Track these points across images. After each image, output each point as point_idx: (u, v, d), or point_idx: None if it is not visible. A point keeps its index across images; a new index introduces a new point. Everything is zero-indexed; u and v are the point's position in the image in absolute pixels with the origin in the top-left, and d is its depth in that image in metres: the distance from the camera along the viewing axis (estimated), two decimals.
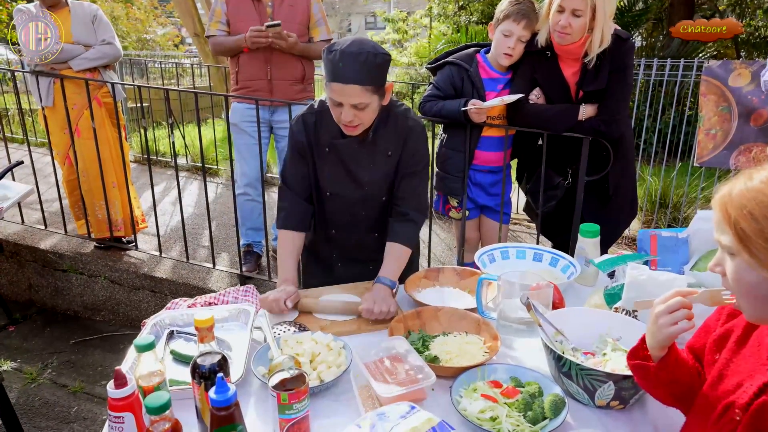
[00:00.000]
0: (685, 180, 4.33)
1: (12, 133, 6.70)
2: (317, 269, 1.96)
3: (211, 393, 0.91)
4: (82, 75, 3.18)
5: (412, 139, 1.72)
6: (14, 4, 9.60)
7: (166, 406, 0.92)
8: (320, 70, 1.85)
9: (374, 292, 1.58)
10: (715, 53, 7.95)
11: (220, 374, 0.93)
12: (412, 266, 1.92)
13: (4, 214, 3.02)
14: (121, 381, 0.96)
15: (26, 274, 3.77)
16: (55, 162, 3.62)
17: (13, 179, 3.30)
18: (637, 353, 1.02)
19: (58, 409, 2.70)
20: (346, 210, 1.80)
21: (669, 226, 4.17)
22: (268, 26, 2.81)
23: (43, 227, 3.81)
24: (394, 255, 1.69)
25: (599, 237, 1.77)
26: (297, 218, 1.77)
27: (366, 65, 1.47)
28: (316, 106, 1.72)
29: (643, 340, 1.02)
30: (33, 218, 3.95)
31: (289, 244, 1.75)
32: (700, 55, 7.33)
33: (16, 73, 4.12)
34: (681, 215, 4.26)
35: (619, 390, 1.12)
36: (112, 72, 3.42)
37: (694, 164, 3.82)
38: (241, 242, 3.34)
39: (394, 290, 1.63)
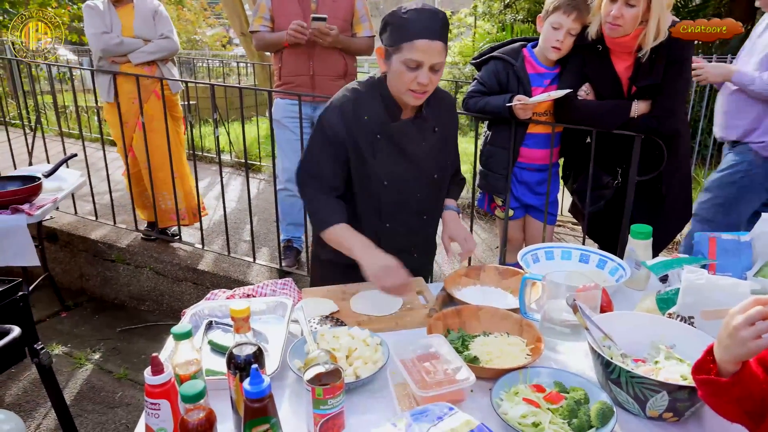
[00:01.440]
0: None
1: (69, 129, 7.01)
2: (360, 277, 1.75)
3: (246, 384, 0.90)
4: (138, 70, 3.28)
5: (454, 114, 1.78)
6: (75, 7, 10.07)
7: (200, 395, 0.91)
8: (362, 70, 1.83)
9: (452, 223, 1.76)
10: None
11: (254, 366, 0.92)
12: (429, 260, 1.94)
13: (59, 204, 3.16)
14: (157, 368, 0.96)
15: (78, 263, 3.92)
16: (107, 156, 3.75)
17: None
18: (703, 367, 0.93)
19: (104, 394, 2.79)
20: (401, 195, 1.71)
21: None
22: (313, 18, 2.81)
23: (94, 218, 3.97)
24: (452, 200, 1.86)
25: (651, 239, 1.68)
26: (339, 213, 1.61)
27: (445, 24, 1.48)
28: (349, 94, 1.60)
29: (708, 352, 0.93)
30: (85, 209, 4.11)
31: (348, 228, 1.58)
32: None
33: (73, 72, 4.29)
34: None
35: (673, 401, 1.04)
36: (171, 65, 3.51)
37: None
38: (282, 237, 3.37)
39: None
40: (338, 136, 1.58)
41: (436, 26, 1.44)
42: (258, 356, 1.05)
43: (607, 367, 1.11)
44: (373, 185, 1.65)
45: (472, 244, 1.73)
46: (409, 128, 1.63)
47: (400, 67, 1.47)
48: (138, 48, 3.26)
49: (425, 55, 1.44)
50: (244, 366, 1.03)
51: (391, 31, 1.47)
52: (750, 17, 6.20)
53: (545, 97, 2.19)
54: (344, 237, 1.57)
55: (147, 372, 0.96)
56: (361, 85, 1.63)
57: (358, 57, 3.25)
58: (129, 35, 3.26)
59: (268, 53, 4.85)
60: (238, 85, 3.51)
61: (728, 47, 6.52)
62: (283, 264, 3.31)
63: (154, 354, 0.99)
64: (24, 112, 5.26)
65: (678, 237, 3.77)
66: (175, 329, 1.05)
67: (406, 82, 1.49)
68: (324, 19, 2.82)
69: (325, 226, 1.59)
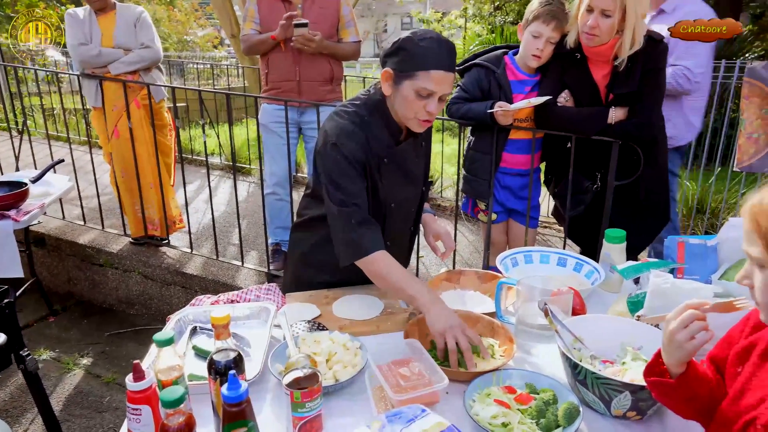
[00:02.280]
0: (724, 185, 4.17)
1: (57, 132, 6.98)
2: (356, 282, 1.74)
3: (223, 389, 0.94)
4: (122, 76, 3.27)
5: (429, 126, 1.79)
6: (63, 8, 10.02)
7: (180, 400, 0.94)
8: (353, 71, 1.82)
9: (433, 223, 1.85)
10: (762, 53, 7.63)
11: (232, 371, 0.95)
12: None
13: (46, 209, 3.16)
14: (139, 375, 0.99)
15: (66, 267, 3.93)
16: (95, 160, 3.76)
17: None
18: (654, 369, 0.99)
19: (92, 398, 2.80)
20: (404, 215, 1.76)
21: (706, 233, 4.02)
22: (296, 25, 2.84)
23: (82, 223, 3.97)
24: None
25: (625, 243, 1.73)
26: (381, 237, 1.55)
27: (455, 56, 1.50)
28: (356, 119, 1.56)
29: (657, 355, 0.99)
30: (73, 214, 4.12)
31: (396, 263, 1.51)
32: (747, 54, 7.04)
33: (60, 74, 4.29)
34: (719, 222, 4.11)
35: (636, 400, 1.09)
36: (158, 72, 3.48)
37: (734, 169, 3.68)
38: (270, 241, 3.40)
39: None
40: (360, 160, 1.54)
41: (451, 58, 1.47)
42: (238, 362, 1.09)
43: (574, 368, 1.15)
44: (381, 208, 1.65)
45: (453, 241, 1.80)
46: (410, 149, 1.66)
47: (410, 94, 1.47)
48: (117, 58, 3.23)
49: (439, 85, 1.45)
50: (224, 371, 1.06)
51: (406, 58, 1.46)
52: (735, 19, 6.30)
53: (526, 103, 2.24)
54: (401, 277, 1.47)
55: (128, 378, 1.00)
56: (361, 108, 1.59)
57: (345, 61, 3.29)
58: (109, 44, 3.23)
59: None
60: (225, 91, 3.53)
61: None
62: (271, 267, 3.34)
63: (135, 361, 1.02)
64: (11, 115, 5.25)
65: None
66: (157, 336, 1.08)
67: (414, 110, 1.50)
68: (305, 25, 2.85)
69: (368, 252, 1.49)
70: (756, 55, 7.34)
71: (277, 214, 3.31)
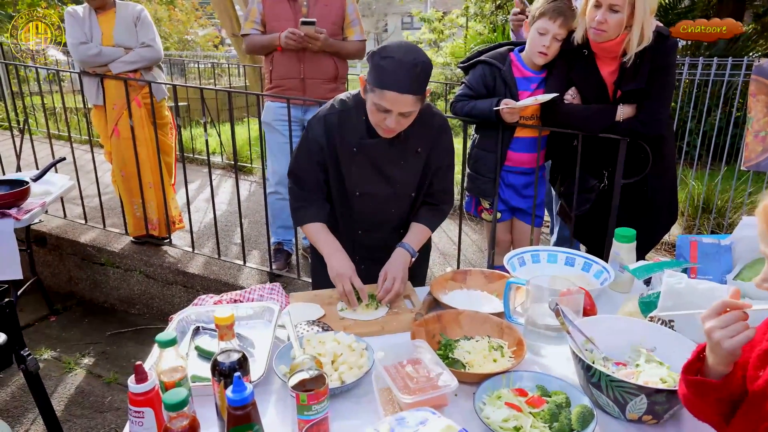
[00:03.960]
0: (730, 184, 4.14)
1: (59, 131, 6.96)
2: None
3: (228, 392, 0.91)
4: (123, 74, 3.24)
5: (443, 137, 1.77)
6: (63, 8, 9.99)
7: (183, 403, 0.91)
8: (354, 70, 1.84)
9: (393, 259, 1.70)
10: (767, 51, 7.59)
11: (237, 373, 0.92)
12: (424, 258, 1.98)
13: (47, 208, 3.14)
14: (141, 376, 0.96)
15: (67, 267, 3.90)
16: (96, 159, 3.74)
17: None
18: (693, 368, 0.95)
19: (93, 398, 2.78)
20: (375, 209, 1.78)
21: (712, 233, 3.99)
22: (302, 23, 2.82)
23: (83, 222, 3.95)
24: (418, 231, 1.80)
25: (635, 242, 1.70)
26: (321, 213, 1.76)
27: (421, 75, 1.48)
28: (337, 106, 1.69)
29: (698, 352, 0.95)
30: (74, 213, 4.09)
31: (323, 229, 1.74)
32: (751, 53, 7.00)
33: (62, 73, 4.26)
34: (726, 221, 4.08)
35: (652, 404, 1.06)
36: (159, 70, 3.45)
37: (741, 168, 3.65)
38: (272, 240, 3.37)
39: (413, 259, 1.75)
40: (319, 144, 1.69)
41: (409, 80, 1.46)
42: (242, 363, 1.06)
43: (587, 370, 1.12)
44: (348, 195, 1.76)
45: (392, 294, 1.62)
46: (385, 147, 1.67)
47: (371, 105, 1.54)
48: (117, 57, 3.19)
49: (393, 105, 1.49)
50: (228, 373, 1.03)
51: (370, 70, 1.52)
52: (738, 19, 6.26)
53: (532, 101, 2.20)
54: (317, 237, 1.74)
55: (131, 380, 0.97)
56: (350, 99, 1.69)
57: (350, 60, 3.26)
58: (109, 43, 3.19)
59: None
60: (227, 89, 3.51)
61: (715, 49, 6.59)
62: (273, 267, 3.31)
63: (138, 362, 1.00)
64: (12, 114, 5.22)
65: (667, 237, 3.83)
66: (160, 337, 1.06)
67: (375, 119, 1.57)
68: (312, 23, 2.83)
69: (301, 223, 1.77)
70: (760, 53, 7.30)
71: (279, 213, 3.28)
